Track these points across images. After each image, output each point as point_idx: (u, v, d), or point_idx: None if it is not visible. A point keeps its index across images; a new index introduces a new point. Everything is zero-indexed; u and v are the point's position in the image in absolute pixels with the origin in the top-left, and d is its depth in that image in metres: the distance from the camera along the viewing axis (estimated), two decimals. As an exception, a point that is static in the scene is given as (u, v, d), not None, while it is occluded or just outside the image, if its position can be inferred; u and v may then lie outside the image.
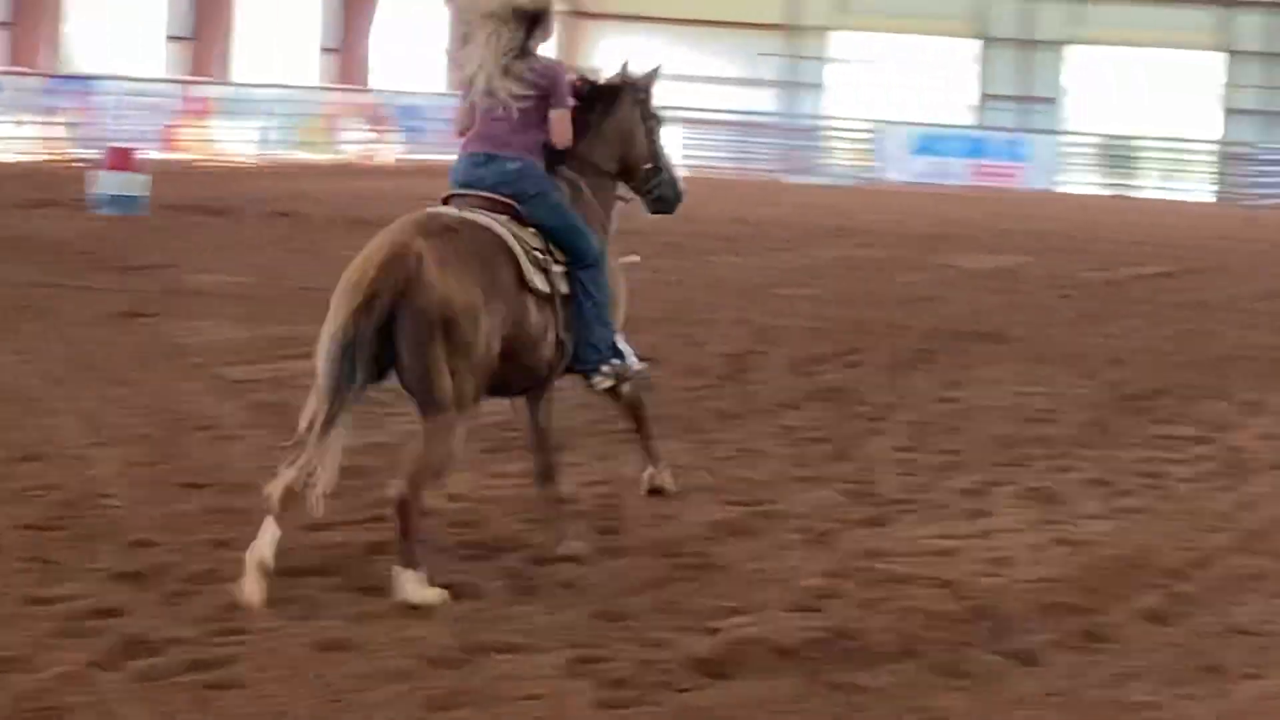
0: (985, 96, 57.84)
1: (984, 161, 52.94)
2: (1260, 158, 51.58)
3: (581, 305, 8.63)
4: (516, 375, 8.47)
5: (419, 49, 51.47)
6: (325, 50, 50.63)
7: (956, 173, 52.53)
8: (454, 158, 8.90)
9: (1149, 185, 52.57)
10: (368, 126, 48.33)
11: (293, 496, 7.79)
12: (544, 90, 8.64)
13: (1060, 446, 12.14)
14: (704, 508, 9.78)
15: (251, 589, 7.59)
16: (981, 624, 7.74)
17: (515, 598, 7.94)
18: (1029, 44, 57.08)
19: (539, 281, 8.43)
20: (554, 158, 8.83)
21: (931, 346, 16.66)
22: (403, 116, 49.04)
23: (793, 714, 6.57)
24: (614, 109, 9.12)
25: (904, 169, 53.01)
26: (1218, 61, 55.75)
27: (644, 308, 18.24)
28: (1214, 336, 18.61)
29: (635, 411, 9.37)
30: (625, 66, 9.29)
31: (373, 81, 51.11)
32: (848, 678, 6.97)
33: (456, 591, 7.82)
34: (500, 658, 7.07)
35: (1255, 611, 8.28)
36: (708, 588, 8.16)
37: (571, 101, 8.82)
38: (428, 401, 8.04)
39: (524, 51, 8.60)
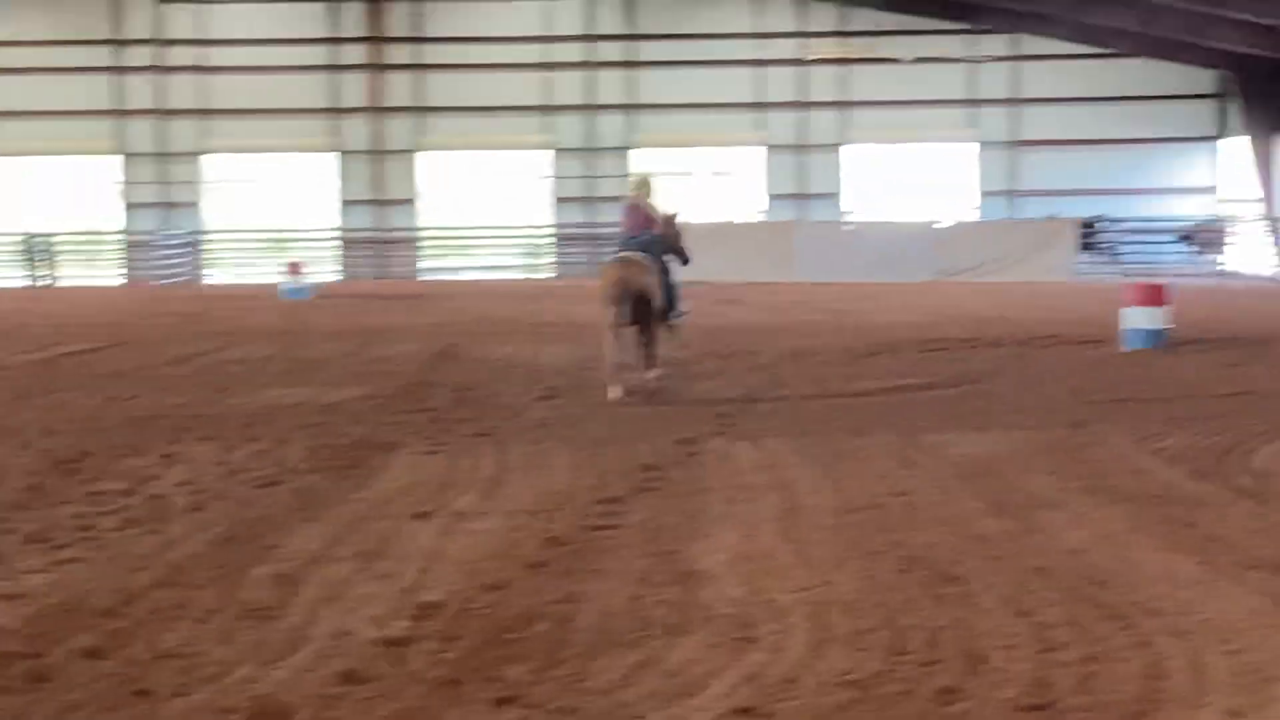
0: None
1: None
2: (160, 244, 51.81)
3: (669, 290, 18.78)
4: (648, 313, 18.23)
5: None
6: None
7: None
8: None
9: (70, 275, 51.82)
10: None
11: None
12: (649, 215, 19.39)
13: (2, 511, 11.69)
14: None
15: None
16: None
17: None
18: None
19: (658, 279, 18.45)
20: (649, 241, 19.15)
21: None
22: None
23: None
24: (666, 228, 19.26)
25: None
26: (116, 163, 55.41)
27: None
28: (134, 401, 18.45)
29: (653, 338, 18.50)
30: (674, 214, 19.56)
31: None
32: None
33: None
34: None
35: (180, 637, 8.17)
36: None
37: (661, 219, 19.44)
38: (646, 320, 18.14)
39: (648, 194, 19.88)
